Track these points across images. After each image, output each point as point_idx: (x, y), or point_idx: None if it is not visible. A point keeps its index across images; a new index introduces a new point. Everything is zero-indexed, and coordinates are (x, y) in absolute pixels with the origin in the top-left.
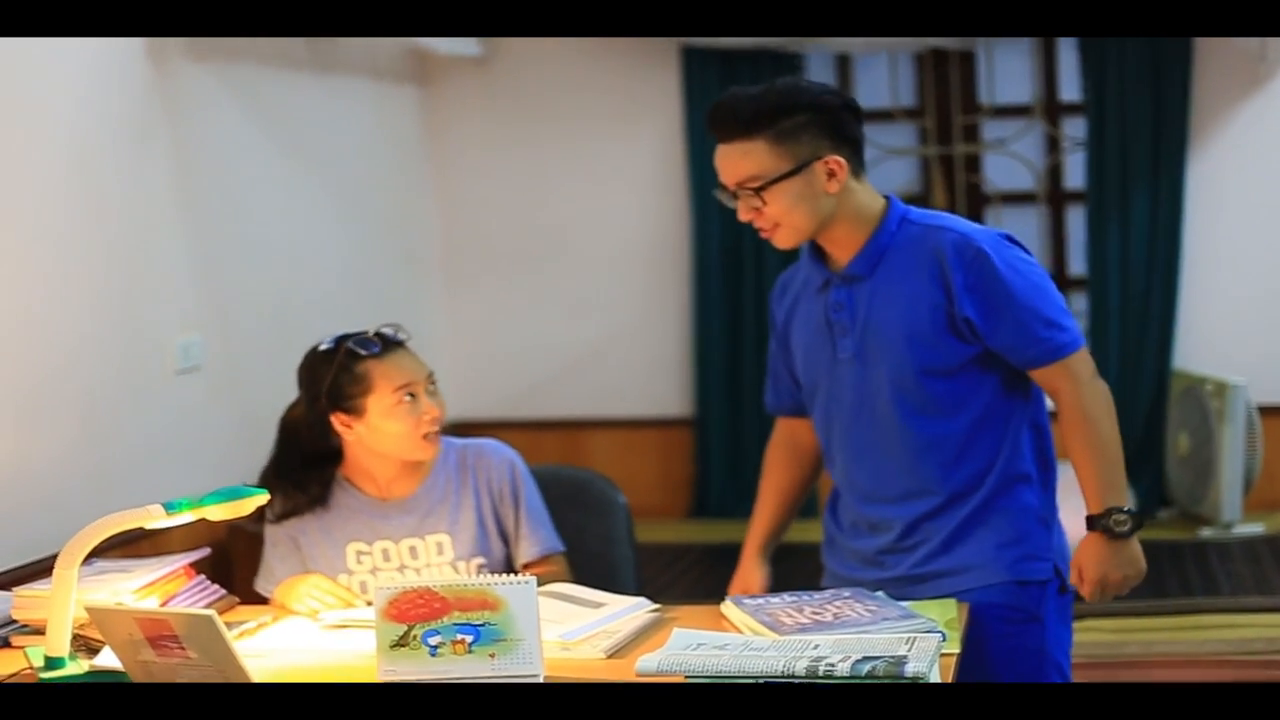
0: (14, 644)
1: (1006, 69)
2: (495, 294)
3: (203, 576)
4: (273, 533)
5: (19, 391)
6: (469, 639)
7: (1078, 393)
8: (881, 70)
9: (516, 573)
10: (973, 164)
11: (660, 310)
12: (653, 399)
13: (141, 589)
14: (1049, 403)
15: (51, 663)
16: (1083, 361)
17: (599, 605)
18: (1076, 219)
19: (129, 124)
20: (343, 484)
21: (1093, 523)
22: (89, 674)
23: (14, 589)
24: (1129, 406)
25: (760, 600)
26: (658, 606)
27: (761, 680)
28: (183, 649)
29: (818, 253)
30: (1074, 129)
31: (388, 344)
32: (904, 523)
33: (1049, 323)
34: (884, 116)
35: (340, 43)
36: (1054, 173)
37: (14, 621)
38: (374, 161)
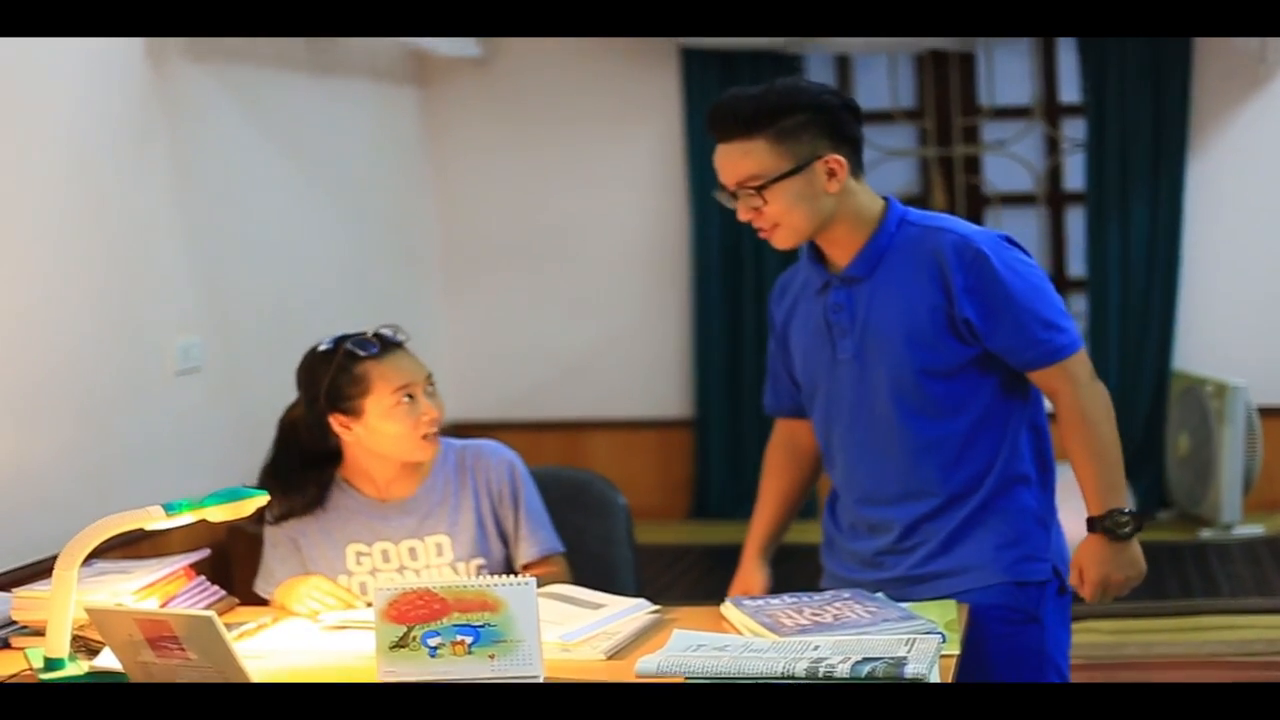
0: (14, 645)
1: (1006, 70)
2: (495, 295)
3: (202, 577)
4: (272, 534)
5: (19, 392)
6: (469, 640)
7: (1076, 395)
8: (881, 71)
9: (516, 574)
10: (972, 165)
11: (660, 311)
12: (652, 400)
13: (141, 590)
14: (1047, 404)
15: (51, 664)
16: (1081, 363)
17: (599, 606)
18: (1076, 220)
19: (128, 125)
20: (342, 485)
21: (1094, 524)
22: (89, 675)
23: (14, 590)
24: (1129, 407)
25: (760, 601)
26: (658, 608)
27: (761, 681)
28: (182, 650)
29: (817, 254)
30: (1074, 130)
31: (386, 345)
32: (903, 524)
33: (1048, 324)
34: (883, 118)
35: (340, 44)
36: (1054, 174)
37: (14, 623)
38: (374, 163)
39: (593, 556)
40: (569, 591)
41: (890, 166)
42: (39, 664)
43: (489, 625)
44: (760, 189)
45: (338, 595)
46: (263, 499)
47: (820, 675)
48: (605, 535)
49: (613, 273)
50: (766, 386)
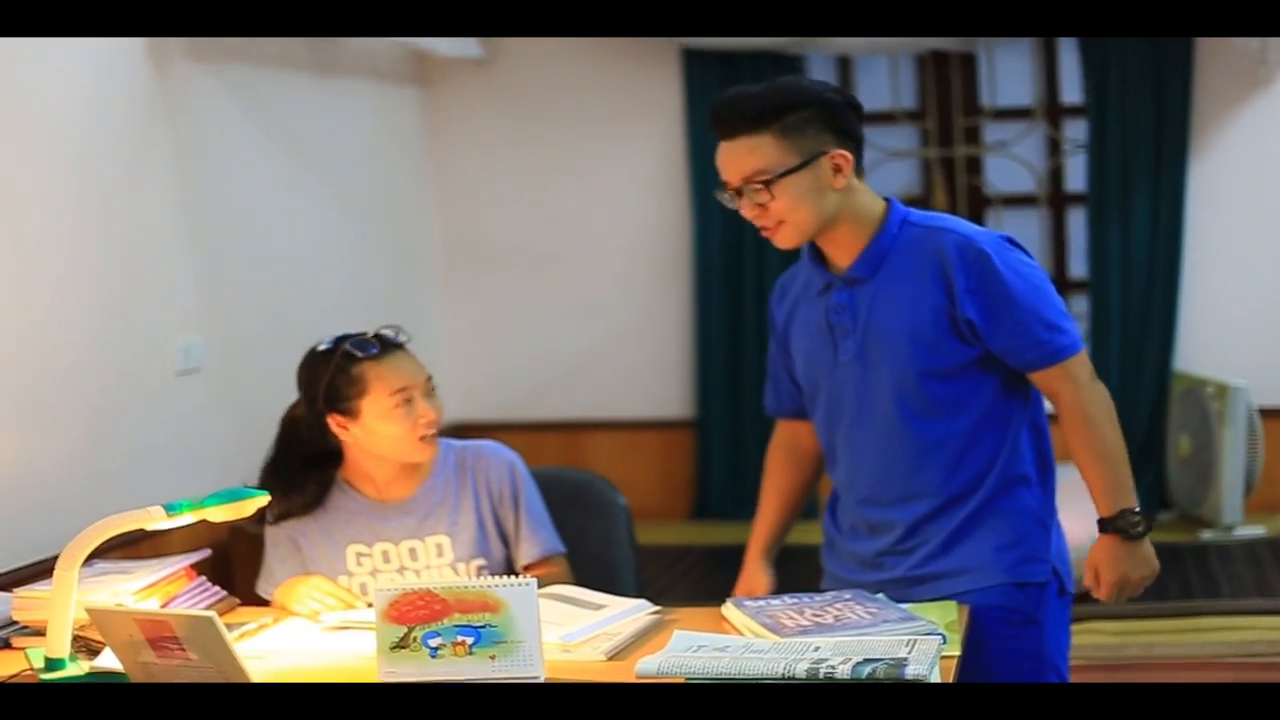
0: (15, 645)
1: (1007, 71)
2: (496, 296)
3: (203, 578)
4: (273, 535)
5: (20, 393)
6: (469, 641)
7: (1078, 395)
8: (882, 72)
9: (517, 574)
10: (974, 166)
11: (661, 311)
12: (653, 400)
13: (142, 590)
14: (1048, 405)
15: (52, 664)
16: (1082, 364)
17: (600, 607)
18: (1077, 221)
19: (130, 125)
20: (342, 486)
21: (1105, 525)
22: (89, 675)
23: (14, 590)
24: (1130, 408)
25: (761, 602)
26: (658, 608)
27: (762, 682)
28: (183, 650)
29: (818, 255)
30: (1075, 131)
31: (386, 346)
32: (905, 525)
33: (1049, 325)
34: (885, 119)
35: (341, 44)
36: (1055, 175)
37: (14, 623)
38: (375, 163)
39: (593, 557)
40: (570, 592)
41: (891, 167)
42: (40, 664)
43: (490, 626)
44: (767, 184)
45: (338, 595)
46: (263, 499)
47: (821, 676)
48: (606, 536)
49: (614, 273)
50: (767, 388)
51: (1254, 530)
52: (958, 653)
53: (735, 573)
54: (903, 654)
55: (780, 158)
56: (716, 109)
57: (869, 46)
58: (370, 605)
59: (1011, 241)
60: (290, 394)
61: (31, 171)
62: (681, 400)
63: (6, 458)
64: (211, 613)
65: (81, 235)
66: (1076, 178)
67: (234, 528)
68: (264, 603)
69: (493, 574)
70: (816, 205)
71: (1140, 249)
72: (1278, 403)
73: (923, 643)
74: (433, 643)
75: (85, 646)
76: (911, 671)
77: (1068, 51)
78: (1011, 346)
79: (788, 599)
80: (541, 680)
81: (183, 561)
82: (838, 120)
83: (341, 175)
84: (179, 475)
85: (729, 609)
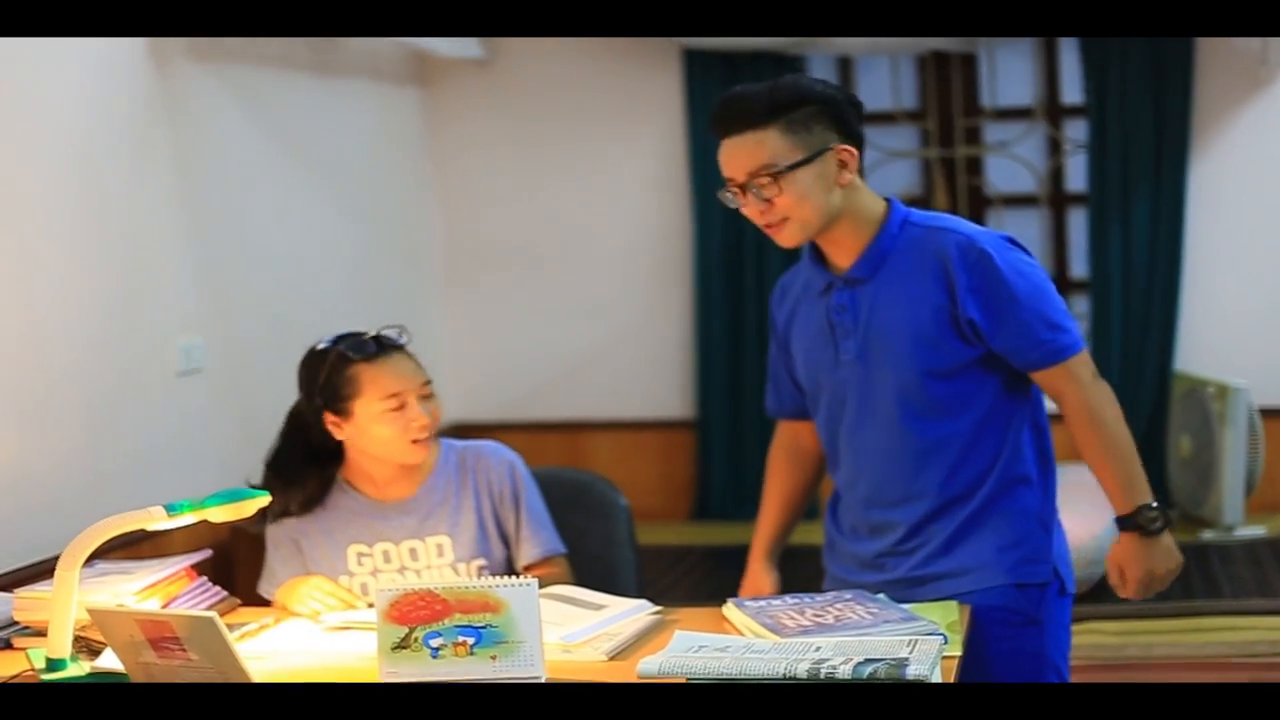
0: (15, 646)
1: (1008, 71)
2: (496, 296)
3: (204, 578)
4: (274, 535)
5: (20, 393)
6: (470, 641)
7: (1082, 395)
8: (883, 73)
9: (517, 575)
10: (974, 166)
11: (662, 312)
12: (654, 401)
13: (143, 591)
14: (1050, 405)
15: (53, 664)
16: (1084, 364)
17: (600, 607)
18: (1078, 221)
19: (130, 125)
20: (343, 486)
21: (1124, 523)
22: (90, 675)
23: (15, 591)
24: (1131, 409)
25: (762, 602)
26: (659, 609)
27: (763, 683)
28: (184, 651)
29: (818, 256)
30: (1076, 131)
31: (383, 348)
32: (906, 525)
33: (1052, 325)
34: (885, 119)
35: (341, 44)
36: (1056, 175)
37: (15, 623)
38: (376, 163)
39: (594, 558)
40: (570, 593)
41: (892, 168)
42: (41, 664)
43: (491, 626)
44: (775, 176)
45: (338, 595)
46: (263, 500)
47: (822, 676)
48: (606, 536)
49: (614, 273)
50: (768, 389)
51: (1255, 530)
52: (959, 653)
53: (736, 573)
54: (904, 654)
55: (787, 152)
56: (720, 106)
57: (869, 47)
58: (371, 605)
59: (1013, 241)
60: (290, 394)
61: (31, 172)
62: (682, 400)
63: (7, 458)
64: (212, 613)
65: (81, 235)
66: (1077, 178)
67: (235, 528)
68: (265, 603)
69: (493, 574)
70: (822, 201)
71: (1141, 249)
72: (1278, 403)
73: (924, 643)
74: (434, 643)
75: (86, 647)
76: (913, 672)
77: (1068, 51)
78: (1014, 346)
79: (788, 599)
80: (542, 680)
81: (184, 562)
82: (841, 117)
83: (342, 175)
84: (179, 475)
85: (730, 609)
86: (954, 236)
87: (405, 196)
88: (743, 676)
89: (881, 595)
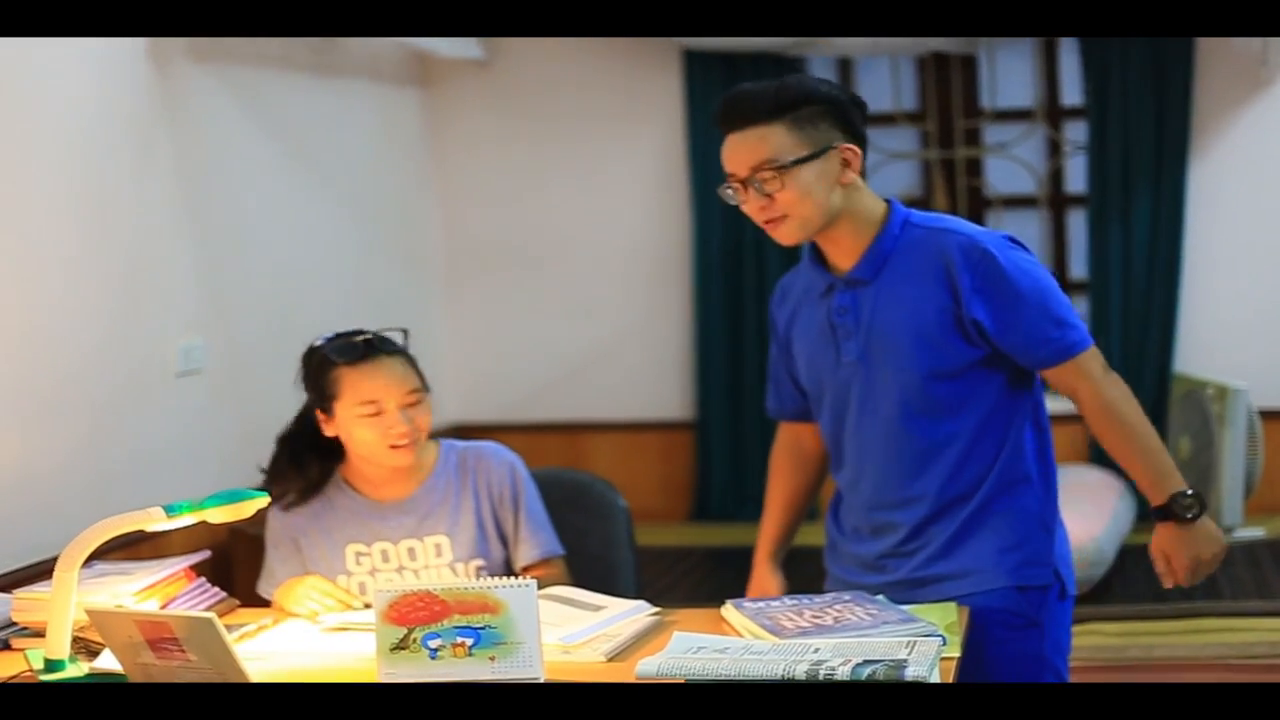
0: (14, 646)
1: (1008, 72)
2: (496, 297)
3: (203, 579)
4: (274, 534)
5: (21, 394)
6: (469, 642)
7: (1096, 390)
8: (883, 74)
9: (515, 576)
10: (974, 168)
11: (661, 313)
12: (654, 402)
13: (142, 591)
14: (1052, 406)
15: (51, 665)
16: (1094, 358)
17: (599, 608)
18: (1078, 223)
19: (130, 125)
20: (342, 485)
21: (1161, 514)
22: (89, 676)
23: (14, 591)
24: None
25: (761, 604)
26: (658, 610)
27: (762, 683)
28: (183, 652)
29: (818, 257)
30: (1075, 133)
31: (371, 352)
32: (908, 526)
33: (1059, 322)
34: (885, 120)
35: (342, 45)
36: (1055, 176)
37: (14, 624)
38: (376, 164)
39: (593, 558)
40: (569, 593)
41: (892, 169)
42: (39, 665)
43: (490, 627)
44: (779, 171)
45: (335, 595)
46: (263, 500)
47: (821, 677)
48: (606, 537)
49: (614, 274)
50: (769, 390)
51: (1254, 532)
52: (958, 654)
53: (736, 574)
54: (902, 655)
55: (792, 147)
56: (726, 102)
57: (870, 48)
58: (368, 605)
59: (1014, 240)
60: (290, 394)
61: (32, 172)
62: (682, 401)
63: (7, 459)
64: (211, 614)
65: (82, 236)
66: (1077, 179)
67: (234, 529)
68: (264, 604)
69: (491, 575)
70: (823, 199)
71: (1140, 250)
72: (1278, 405)
73: (922, 644)
74: (432, 644)
75: (85, 648)
76: (911, 673)
77: (1068, 53)
78: (1022, 345)
79: (787, 600)
80: (541, 681)
81: (182, 563)
82: (846, 117)
83: (342, 176)
84: (179, 476)
85: (728, 610)
86: (956, 237)
87: (405, 196)
88: (741, 678)
89: (880, 596)
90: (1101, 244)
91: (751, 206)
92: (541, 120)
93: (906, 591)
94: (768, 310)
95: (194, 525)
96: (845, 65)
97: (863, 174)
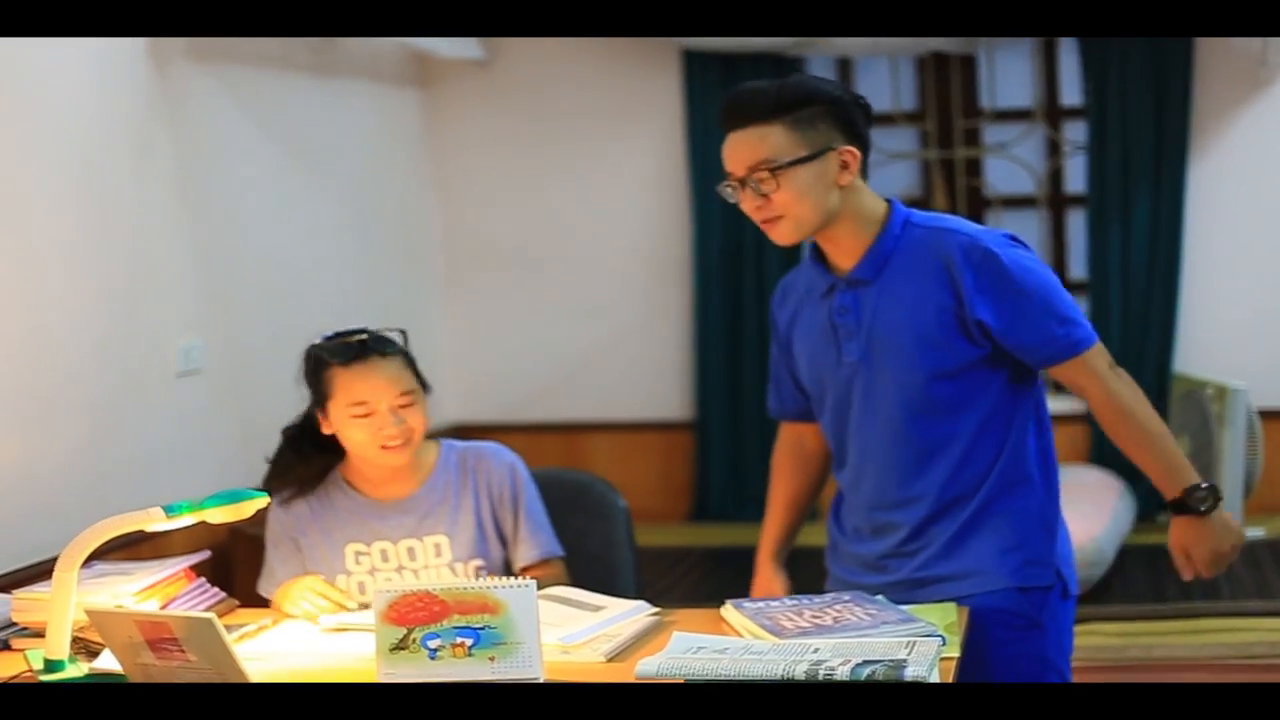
0: (14, 646)
1: (1007, 72)
2: (496, 297)
3: (203, 579)
4: (274, 533)
5: (21, 395)
6: (469, 642)
7: (1104, 386)
8: (883, 74)
9: (515, 576)
10: (974, 168)
11: (661, 313)
12: (653, 402)
13: (141, 592)
14: (1054, 406)
15: (51, 665)
16: (1100, 355)
17: (598, 608)
18: (1077, 223)
19: (130, 125)
20: (342, 485)
21: (1176, 508)
22: (88, 676)
23: (14, 592)
24: None
25: (760, 604)
26: (657, 610)
27: (762, 684)
28: (182, 652)
29: (819, 257)
30: (1075, 133)
31: (364, 353)
32: (909, 527)
33: (1064, 319)
34: (885, 120)
35: (341, 45)
36: (1055, 176)
37: (14, 624)
38: (376, 164)
39: (593, 558)
40: (569, 594)
41: (891, 169)
42: (39, 665)
43: (489, 627)
44: (775, 170)
45: (331, 595)
46: (263, 501)
47: (820, 677)
48: (605, 537)
49: (614, 274)
50: (769, 390)
51: (1253, 532)
52: (957, 654)
53: (735, 574)
54: (902, 655)
55: (790, 148)
56: (728, 101)
57: (869, 48)
58: (367, 605)
59: (1015, 239)
60: (290, 394)
61: (32, 172)
62: (681, 401)
63: (8, 459)
64: (211, 614)
65: (82, 236)
66: (1076, 179)
67: (234, 529)
68: (264, 604)
69: (491, 575)
70: (820, 200)
71: (1140, 251)
72: (1277, 405)
73: (922, 644)
74: (432, 644)
75: (84, 648)
76: (911, 673)
77: (1068, 53)
78: (1028, 344)
79: (787, 601)
80: (541, 681)
81: (182, 563)
82: (848, 118)
83: (342, 176)
84: (179, 476)
85: (728, 610)
86: (957, 237)
87: (405, 197)
88: (741, 678)
89: (880, 596)
90: (1101, 244)
91: (748, 206)
92: (541, 120)
93: (908, 592)
94: (768, 310)
95: (194, 525)
96: (845, 65)
97: (864, 174)
